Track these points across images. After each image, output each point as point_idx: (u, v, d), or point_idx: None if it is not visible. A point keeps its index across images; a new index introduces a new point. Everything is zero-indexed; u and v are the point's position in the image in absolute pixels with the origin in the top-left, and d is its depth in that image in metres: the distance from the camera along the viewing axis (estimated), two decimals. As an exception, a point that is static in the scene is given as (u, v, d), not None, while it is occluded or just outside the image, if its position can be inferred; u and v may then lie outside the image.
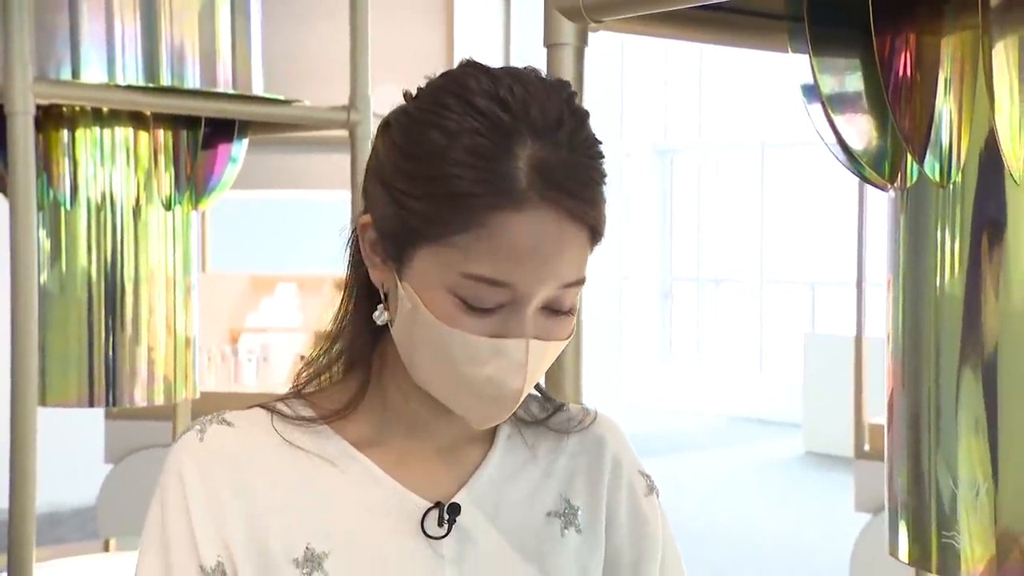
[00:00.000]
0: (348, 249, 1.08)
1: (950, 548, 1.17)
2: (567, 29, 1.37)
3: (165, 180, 2.41)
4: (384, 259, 1.02)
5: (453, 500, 1.05)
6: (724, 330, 12.40)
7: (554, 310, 0.99)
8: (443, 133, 0.95)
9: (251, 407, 1.07)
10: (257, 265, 5.83)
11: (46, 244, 2.35)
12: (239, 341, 4.95)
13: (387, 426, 1.07)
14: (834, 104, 1.22)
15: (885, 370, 1.27)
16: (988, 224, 1.14)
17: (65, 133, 2.36)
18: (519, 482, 1.10)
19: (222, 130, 2.45)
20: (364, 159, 2.41)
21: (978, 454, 1.15)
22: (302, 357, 5.09)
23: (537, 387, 1.13)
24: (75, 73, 2.20)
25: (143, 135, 2.39)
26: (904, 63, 1.19)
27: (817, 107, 1.25)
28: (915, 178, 1.20)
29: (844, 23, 1.22)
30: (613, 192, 1.03)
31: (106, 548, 4.46)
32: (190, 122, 2.41)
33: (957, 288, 1.16)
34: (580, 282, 0.99)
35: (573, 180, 0.95)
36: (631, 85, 12.14)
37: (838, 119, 1.23)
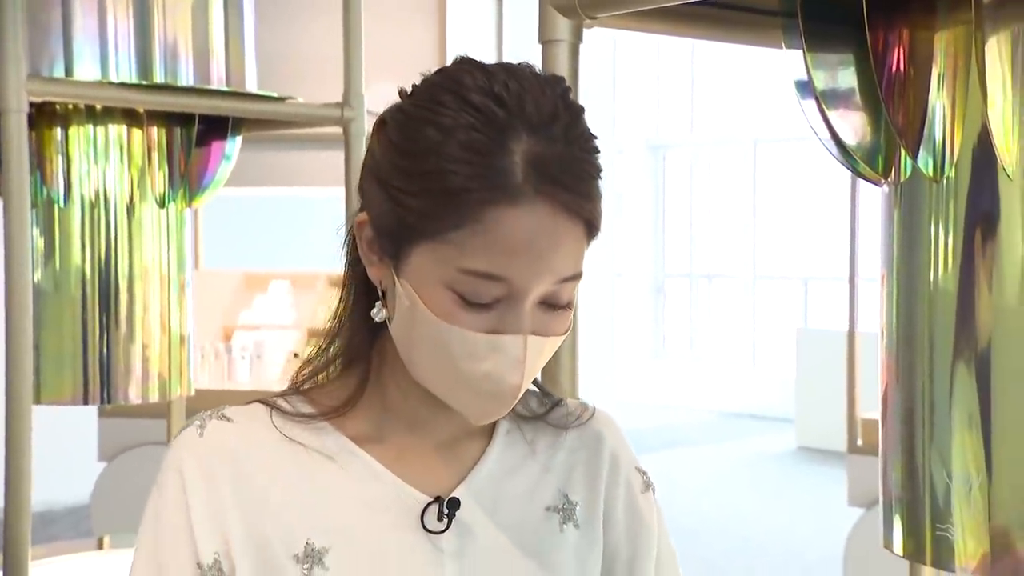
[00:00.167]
0: (345, 247, 1.08)
1: (944, 541, 1.18)
2: (562, 25, 1.37)
3: (159, 177, 2.40)
4: (381, 256, 1.02)
5: (452, 495, 1.06)
6: (717, 326, 12.42)
7: (551, 304, 0.99)
8: (438, 129, 0.96)
9: (250, 403, 1.07)
10: (250, 262, 5.82)
11: (40, 242, 2.34)
12: (232, 338, 4.95)
13: (386, 422, 1.07)
14: (828, 100, 1.23)
15: (879, 365, 1.27)
16: (981, 218, 1.14)
17: (58, 131, 2.35)
18: (518, 477, 1.10)
19: (216, 127, 2.44)
20: (358, 156, 2.42)
21: (972, 448, 1.15)
22: (296, 354, 5.07)
23: (535, 383, 1.14)
24: (68, 70, 2.20)
25: (136, 132, 2.39)
26: (897, 58, 1.20)
27: (811, 103, 1.26)
28: (909, 173, 1.21)
29: (838, 19, 1.22)
30: (606, 188, 1.03)
31: (100, 546, 4.46)
32: (184, 119, 2.41)
33: (951, 283, 1.17)
34: (577, 276, 0.99)
35: (568, 174, 0.95)
36: (623, 81, 12.14)
37: (832, 114, 1.23)
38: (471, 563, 1.05)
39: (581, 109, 1.00)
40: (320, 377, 1.08)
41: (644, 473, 1.18)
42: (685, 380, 11.85)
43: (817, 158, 10.89)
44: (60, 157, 2.35)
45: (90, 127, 2.36)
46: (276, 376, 4.75)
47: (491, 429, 1.11)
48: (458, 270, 0.95)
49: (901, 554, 1.24)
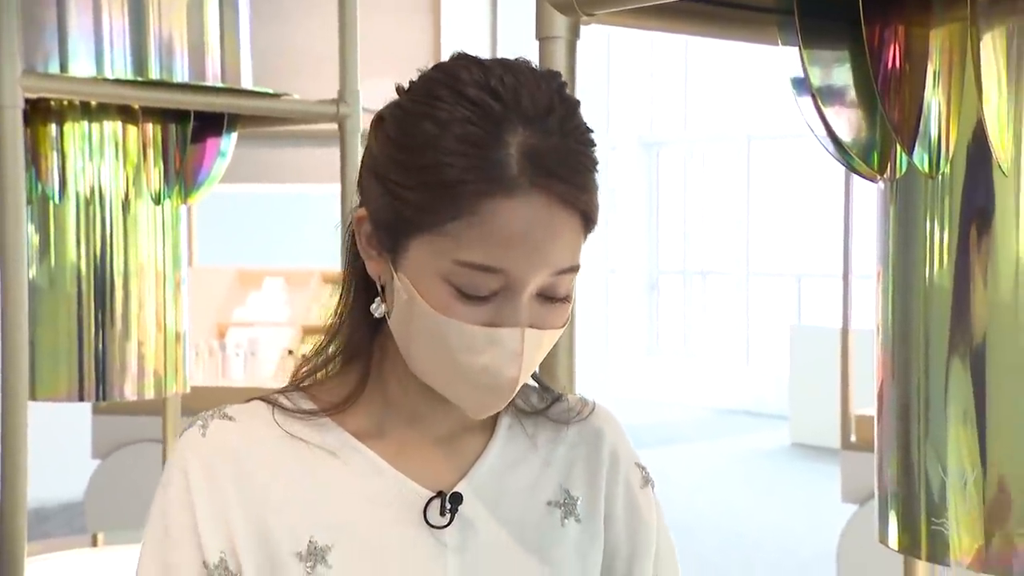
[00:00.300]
0: (345, 244, 1.09)
1: (939, 535, 1.18)
2: (559, 22, 1.38)
3: (154, 174, 2.40)
4: (380, 251, 1.02)
5: (455, 489, 1.06)
6: (710, 322, 12.44)
7: (549, 297, 0.99)
8: (435, 123, 0.96)
9: (250, 400, 1.07)
10: (244, 259, 5.82)
11: (35, 239, 2.34)
12: (226, 335, 4.95)
13: (387, 418, 1.08)
14: (824, 96, 1.23)
15: (875, 361, 1.28)
16: (976, 214, 1.15)
17: (53, 127, 2.35)
18: (520, 472, 1.11)
19: (211, 124, 2.44)
20: (353, 153, 2.42)
21: (967, 443, 1.16)
22: (290, 351, 5.05)
23: (536, 378, 1.14)
24: (63, 67, 2.20)
25: (132, 129, 2.38)
26: (893, 55, 1.20)
27: (807, 99, 1.26)
28: (904, 169, 1.21)
29: (834, 16, 1.22)
30: (599, 184, 1.04)
31: (94, 543, 4.46)
32: (179, 116, 2.41)
33: (946, 278, 1.17)
34: (574, 269, 0.99)
35: (563, 166, 0.96)
36: (617, 78, 12.15)
37: (828, 111, 1.23)
38: (473, 557, 1.05)
39: (577, 103, 1.01)
40: (320, 374, 1.09)
41: (643, 469, 1.18)
42: (679, 377, 11.87)
43: (811, 155, 10.91)
44: (55, 153, 2.35)
45: (85, 123, 2.36)
46: (270, 373, 4.75)
47: (492, 424, 1.12)
48: (455, 262, 0.96)
49: (896, 549, 1.24)
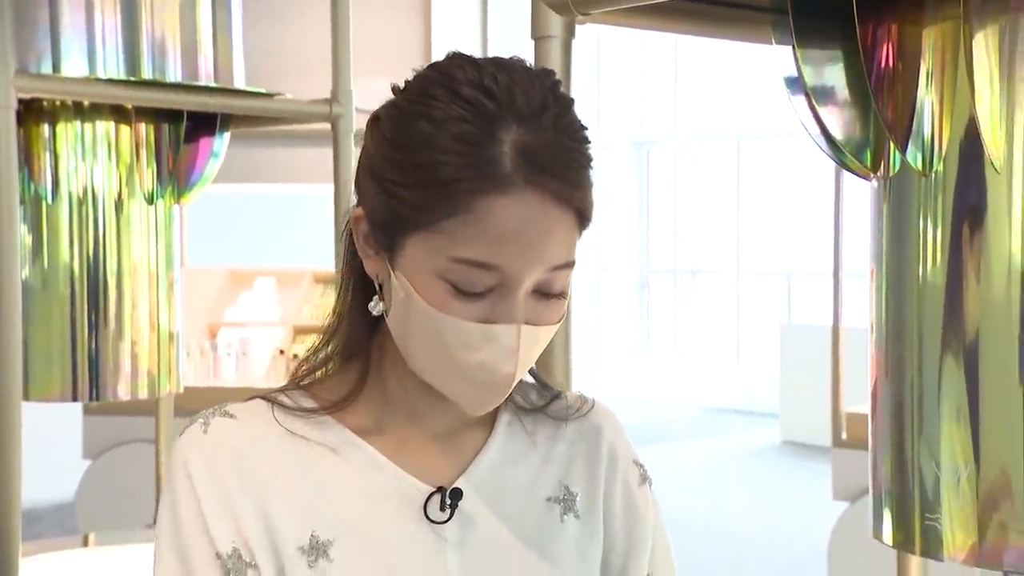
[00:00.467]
0: (343, 243, 1.09)
1: (933, 531, 1.19)
2: (554, 22, 1.38)
3: (147, 174, 2.40)
4: (377, 250, 1.03)
5: (455, 485, 1.07)
6: (701, 321, 12.45)
7: (544, 293, 1.00)
8: (430, 122, 0.97)
9: (251, 398, 1.08)
10: (235, 259, 5.82)
11: (28, 239, 2.34)
12: (218, 336, 4.94)
13: (387, 414, 1.09)
14: (818, 95, 1.24)
15: (869, 359, 1.29)
16: (969, 212, 1.15)
17: (46, 127, 2.35)
18: (519, 468, 1.12)
19: (204, 124, 2.44)
20: (346, 152, 2.43)
21: (960, 440, 1.17)
22: (281, 351, 5.04)
23: (535, 375, 1.15)
24: (56, 67, 2.19)
25: (124, 129, 2.38)
26: (886, 54, 1.21)
27: (801, 98, 1.27)
28: (897, 167, 1.22)
29: (827, 15, 1.23)
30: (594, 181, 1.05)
31: (85, 543, 4.45)
32: (172, 116, 2.40)
33: (939, 276, 1.18)
34: (569, 265, 1.00)
35: (557, 163, 0.97)
36: (608, 77, 12.17)
37: (822, 110, 1.24)
38: (473, 552, 1.06)
39: (571, 101, 1.02)
40: (319, 372, 1.10)
41: (641, 467, 1.19)
42: (670, 376, 11.88)
43: (800, 154, 10.94)
44: (48, 154, 2.34)
45: (78, 123, 2.35)
46: (262, 373, 4.75)
47: (492, 420, 1.12)
48: (451, 259, 0.97)
49: (891, 544, 1.25)
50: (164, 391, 2.46)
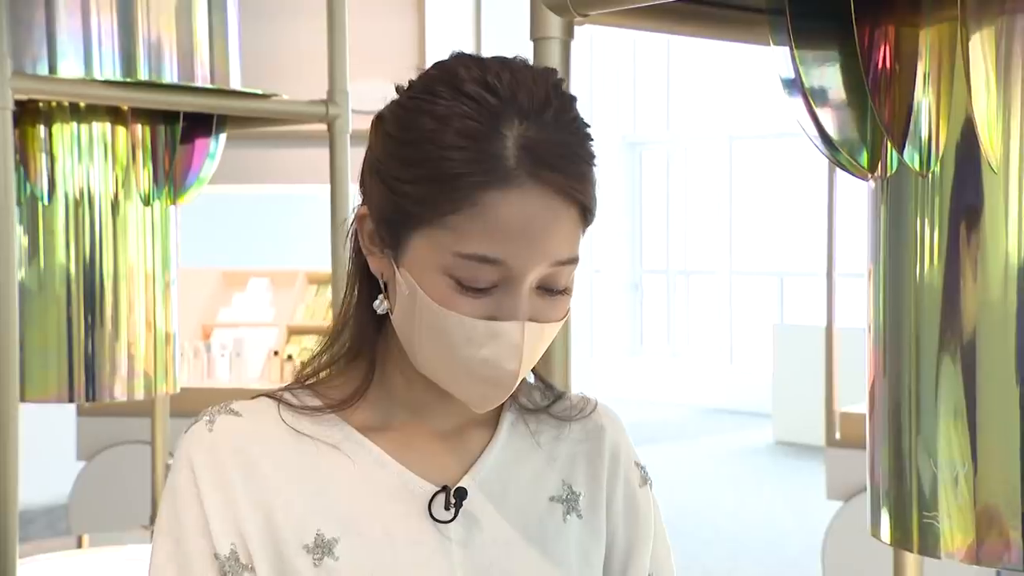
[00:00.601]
0: (349, 242, 1.10)
1: (930, 529, 1.19)
2: (553, 23, 1.39)
3: (143, 175, 2.40)
4: (382, 248, 1.04)
5: (460, 484, 1.07)
6: (694, 322, 12.46)
7: (548, 290, 1.01)
8: (434, 119, 0.98)
9: (256, 396, 1.08)
10: (229, 260, 5.82)
11: (24, 240, 2.34)
12: (212, 336, 4.94)
13: (392, 413, 1.09)
14: (815, 96, 1.25)
15: (866, 359, 1.29)
16: (966, 212, 1.16)
17: (42, 128, 2.34)
18: (523, 467, 1.12)
19: (200, 125, 2.44)
20: (343, 153, 2.43)
21: (957, 438, 1.17)
22: (275, 352, 5.04)
23: (539, 376, 1.16)
24: (52, 68, 2.19)
25: (121, 130, 2.38)
26: (884, 55, 1.22)
27: (798, 99, 1.27)
28: (895, 168, 1.22)
29: (825, 16, 1.24)
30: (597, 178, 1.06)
31: (79, 545, 4.45)
32: (168, 117, 2.40)
33: (936, 276, 1.18)
34: (573, 260, 1.01)
35: (561, 158, 0.98)
36: (600, 78, 12.17)
37: (819, 111, 1.25)
38: (477, 551, 1.06)
39: (573, 98, 1.03)
40: (324, 371, 1.10)
41: (642, 468, 1.20)
42: (663, 376, 11.89)
43: (793, 155, 10.96)
44: (44, 155, 2.34)
45: (74, 125, 2.35)
46: (256, 374, 4.75)
47: (496, 420, 1.13)
48: (455, 255, 0.98)
49: (888, 542, 1.26)
50: (161, 392, 2.46)
